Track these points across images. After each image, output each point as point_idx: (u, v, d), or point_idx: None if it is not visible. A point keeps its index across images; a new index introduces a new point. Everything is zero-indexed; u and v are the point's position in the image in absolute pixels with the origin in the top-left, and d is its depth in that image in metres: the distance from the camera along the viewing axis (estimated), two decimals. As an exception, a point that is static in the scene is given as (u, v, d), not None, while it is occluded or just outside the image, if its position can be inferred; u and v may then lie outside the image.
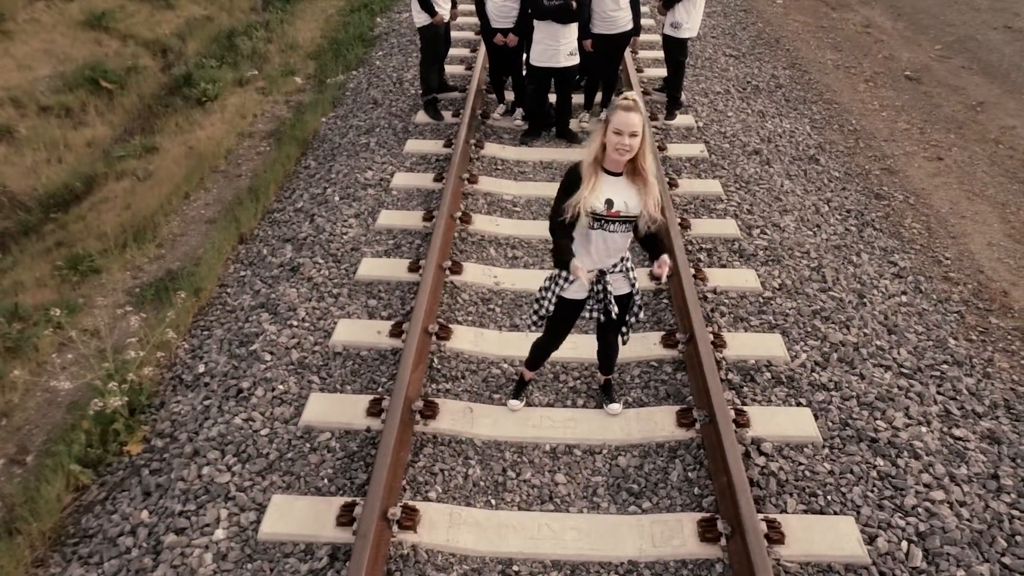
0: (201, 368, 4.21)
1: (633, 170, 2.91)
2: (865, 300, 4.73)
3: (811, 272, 4.82)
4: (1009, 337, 4.77)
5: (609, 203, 2.93)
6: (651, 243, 3.12)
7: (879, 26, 10.70)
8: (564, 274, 3.18)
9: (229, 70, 8.57)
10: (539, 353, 3.61)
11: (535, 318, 3.33)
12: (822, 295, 4.60)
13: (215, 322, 4.67)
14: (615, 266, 3.18)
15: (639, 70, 7.53)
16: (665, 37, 6.36)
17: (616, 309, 3.21)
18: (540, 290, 3.31)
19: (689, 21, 6.16)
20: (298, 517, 3.15)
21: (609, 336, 3.50)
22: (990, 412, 4.05)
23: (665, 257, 3.02)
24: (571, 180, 2.96)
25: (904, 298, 4.90)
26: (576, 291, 3.22)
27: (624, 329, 3.38)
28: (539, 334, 3.54)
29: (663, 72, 7.04)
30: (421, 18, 6.24)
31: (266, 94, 8.14)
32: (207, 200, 6.32)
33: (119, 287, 5.28)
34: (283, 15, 10.29)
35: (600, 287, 3.17)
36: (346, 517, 3.13)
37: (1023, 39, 9.99)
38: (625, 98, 2.79)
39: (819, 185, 6.09)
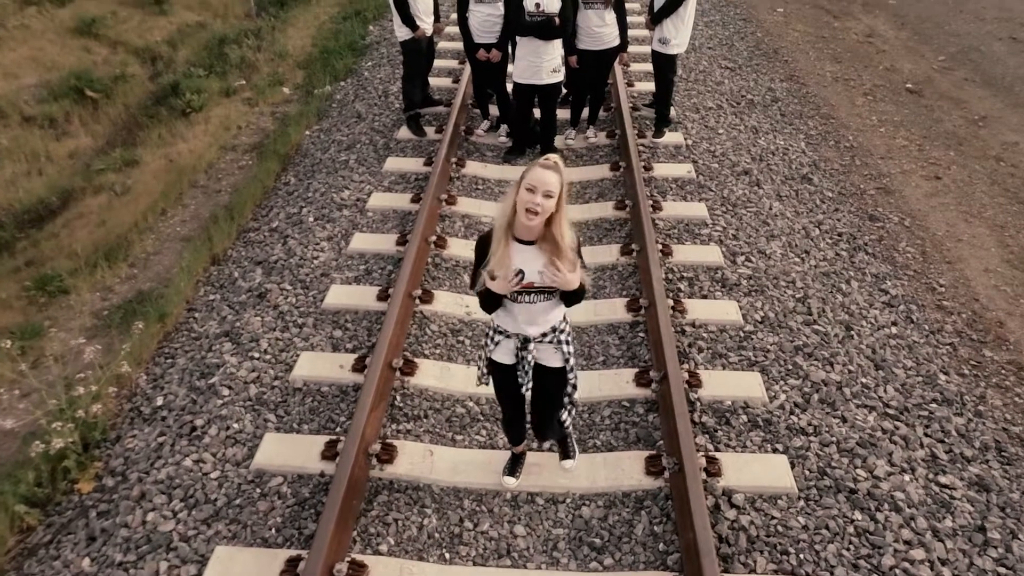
0: (160, 400, 4.06)
1: (546, 237, 2.56)
2: (852, 333, 4.53)
3: (796, 303, 4.63)
4: (1003, 371, 4.57)
5: (519, 275, 2.58)
6: (567, 298, 2.77)
7: (882, 35, 10.46)
8: (491, 333, 2.90)
9: (216, 80, 8.43)
10: (506, 428, 3.34)
11: (480, 374, 3.06)
12: (806, 329, 4.41)
13: (180, 349, 4.52)
14: (544, 335, 2.84)
15: (630, 84, 7.33)
16: (654, 53, 6.16)
17: (530, 384, 2.90)
18: (483, 349, 3.02)
19: (678, 37, 5.96)
20: (240, 572, 2.98)
21: (548, 426, 3.15)
22: (980, 456, 3.85)
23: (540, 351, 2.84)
24: (481, 248, 2.65)
25: (894, 329, 4.69)
26: (503, 354, 2.90)
27: (563, 415, 3.03)
28: None
29: (653, 86, 6.85)
30: (403, 32, 6.07)
31: (252, 105, 7.99)
32: (184, 217, 6.17)
33: (87, 309, 5.14)
34: (276, 22, 10.14)
35: (525, 354, 2.84)
36: (290, 573, 2.96)
37: (1029, 50, 9.74)
38: (547, 158, 2.49)
39: (811, 207, 5.88)
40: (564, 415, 3.03)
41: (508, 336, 2.86)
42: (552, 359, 2.91)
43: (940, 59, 9.68)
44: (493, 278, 2.57)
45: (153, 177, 6.63)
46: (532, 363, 2.86)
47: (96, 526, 3.37)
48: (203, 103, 7.80)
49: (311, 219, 5.38)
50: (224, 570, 3.00)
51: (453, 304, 4.49)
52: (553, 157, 2.49)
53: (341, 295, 4.51)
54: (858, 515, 3.30)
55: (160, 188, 6.43)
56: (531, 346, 2.83)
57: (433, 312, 4.42)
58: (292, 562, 2.99)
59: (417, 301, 4.42)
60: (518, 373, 2.90)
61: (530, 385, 2.90)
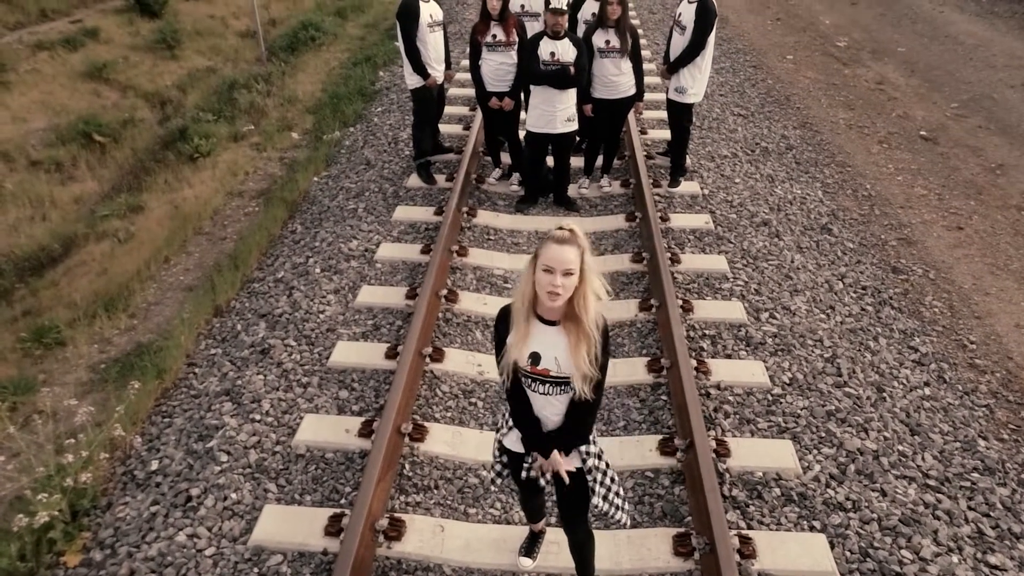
0: (155, 464, 3.83)
1: (570, 315, 2.30)
2: (884, 395, 4.29)
3: (824, 363, 4.40)
4: (1045, 437, 4.31)
5: (535, 358, 2.36)
6: (573, 416, 2.47)
7: (892, 83, 10.40)
8: (506, 415, 2.65)
9: (225, 124, 8.36)
10: (524, 506, 3.12)
11: (494, 468, 2.81)
12: (837, 391, 4.17)
13: (178, 408, 4.30)
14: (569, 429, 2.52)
15: (643, 132, 7.22)
16: (669, 102, 6.05)
17: (546, 480, 2.59)
18: (495, 452, 2.80)
19: (695, 86, 5.86)
20: (234, 666, 2.72)
21: (575, 525, 2.80)
22: (1027, 532, 3.58)
23: (559, 459, 2.51)
24: (501, 324, 2.42)
25: (927, 390, 4.46)
26: (514, 442, 2.62)
27: (606, 509, 2.66)
28: None
29: (668, 134, 6.74)
30: (413, 80, 5.99)
31: (260, 150, 7.91)
32: (187, 265, 6.01)
33: (83, 362, 4.94)
34: (286, 67, 10.14)
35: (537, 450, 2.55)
36: (288, 668, 2.70)
37: (1042, 98, 9.65)
38: (560, 227, 2.24)
39: (832, 259, 5.69)
40: (611, 510, 2.67)
41: (518, 425, 2.57)
42: (568, 460, 2.56)
43: (953, 106, 9.59)
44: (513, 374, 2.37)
45: (157, 224, 6.49)
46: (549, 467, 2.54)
47: (81, 606, 3.11)
48: (211, 148, 7.72)
49: (317, 270, 5.20)
50: (216, 664, 2.74)
51: (464, 363, 4.28)
52: (568, 225, 2.25)
53: (348, 352, 4.30)
54: (907, 604, 3.03)
55: (164, 235, 6.29)
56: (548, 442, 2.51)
57: (444, 371, 4.20)
58: (291, 656, 2.73)
59: (427, 359, 4.21)
60: (531, 468, 2.61)
61: (548, 478, 2.59)
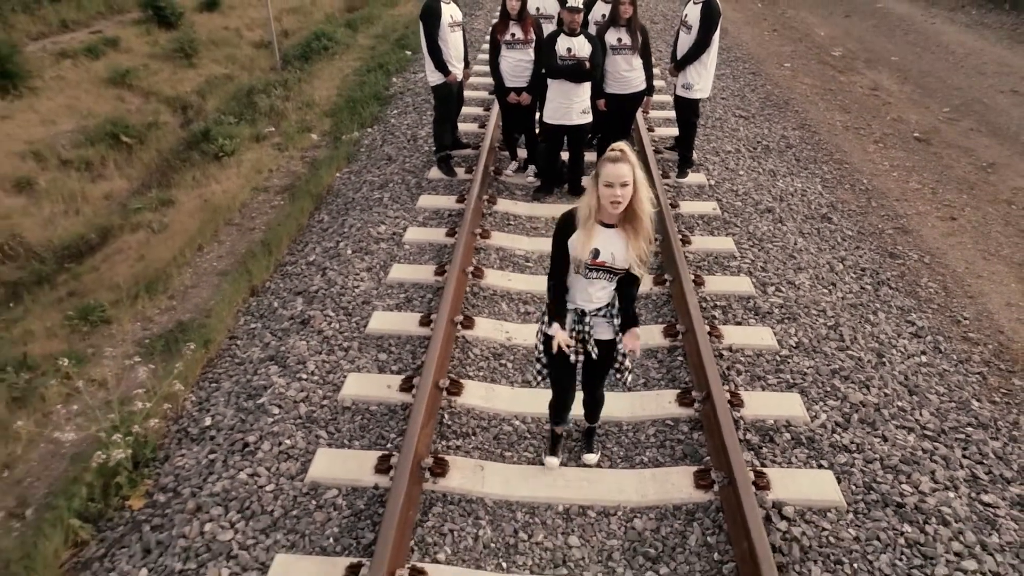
0: (208, 421, 4.15)
1: (627, 218, 2.87)
2: (884, 360, 4.64)
3: (828, 331, 4.76)
4: (1034, 399, 4.65)
5: (595, 252, 2.94)
6: (623, 299, 3.15)
7: (886, 89, 10.86)
8: (544, 320, 3.27)
9: (247, 126, 8.75)
10: (554, 409, 3.58)
11: (537, 368, 3.39)
12: (840, 354, 4.53)
13: (223, 374, 4.63)
14: (599, 310, 3.17)
15: (650, 129, 7.62)
16: (677, 98, 6.46)
17: (596, 351, 3.21)
18: (537, 337, 3.39)
19: (701, 82, 6.27)
20: (302, 585, 3.03)
21: (594, 387, 3.50)
22: (1019, 477, 3.91)
23: (635, 330, 3.13)
24: (562, 225, 3.01)
25: (924, 358, 4.81)
26: (558, 332, 3.16)
27: (618, 375, 3.35)
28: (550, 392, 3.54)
29: (674, 131, 7.13)
30: (435, 77, 6.38)
31: (282, 150, 8.28)
32: (220, 253, 6.35)
33: (128, 338, 5.26)
34: (301, 74, 10.56)
35: (580, 327, 3.17)
36: (352, 579, 3.01)
37: (1029, 102, 10.10)
38: (612, 149, 2.77)
39: (832, 244, 6.07)
40: (622, 375, 3.34)
41: (567, 313, 3.16)
42: (605, 332, 3.22)
43: (945, 110, 10.04)
44: (561, 271, 3.07)
45: (188, 216, 6.84)
46: (590, 333, 3.17)
47: (151, 539, 3.42)
48: (235, 148, 8.09)
49: (349, 251, 5.56)
50: (285, 577, 3.05)
51: (493, 330, 4.62)
52: (619, 146, 2.79)
53: (384, 321, 4.64)
54: (907, 528, 3.36)
55: (196, 226, 6.63)
56: (587, 319, 3.14)
57: (475, 337, 4.55)
58: (353, 569, 3.05)
59: (459, 326, 4.55)
60: (575, 347, 3.20)
61: (581, 358, 3.21)
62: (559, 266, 3.07)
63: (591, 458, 3.68)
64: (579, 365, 3.27)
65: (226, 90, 10.28)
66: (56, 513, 3.66)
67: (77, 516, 3.66)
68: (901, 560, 3.21)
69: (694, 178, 6.62)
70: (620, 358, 3.30)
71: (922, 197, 7.40)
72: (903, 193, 7.44)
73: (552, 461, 3.65)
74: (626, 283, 3.10)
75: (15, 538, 3.75)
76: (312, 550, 3.22)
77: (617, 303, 3.18)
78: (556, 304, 3.15)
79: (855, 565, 3.16)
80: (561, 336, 3.08)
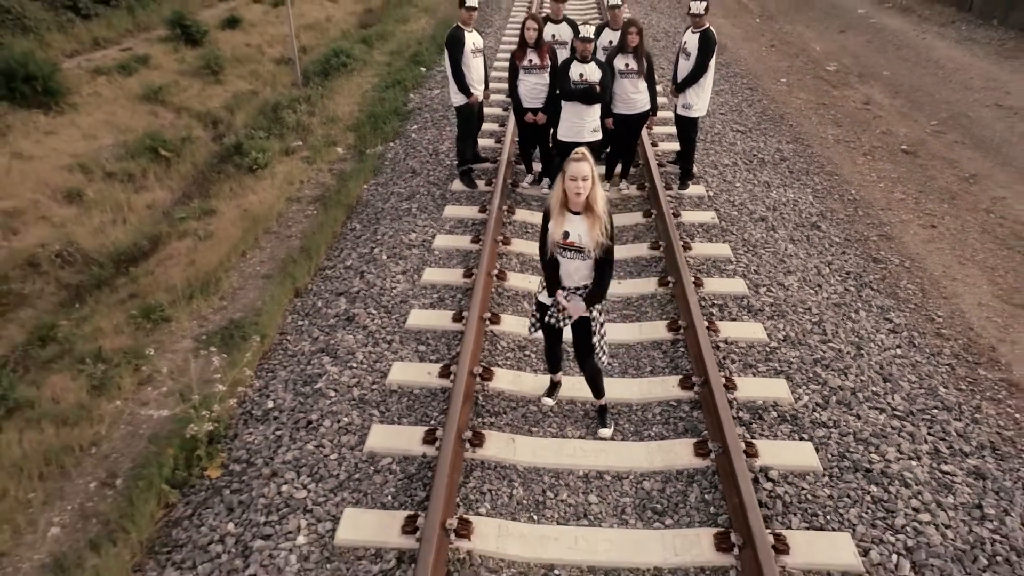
0: (270, 404, 4.83)
1: (588, 207, 3.73)
2: (862, 352, 5.32)
3: (812, 326, 5.44)
4: (996, 387, 5.31)
5: (565, 234, 3.81)
6: (596, 276, 3.93)
7: (878, 103, 11.53)
8: (541, 283, 4.19)
9: (276, 141, 9.45)
10: (547, 358, 4.60)
11: (532, 322, 4.34)
12: (822, 346, 5.21)
13: (278, 365, 5.30)
14: (576, 290, 3.99)
15: (654, 144, 8.32)
16: (678, 116, 7.16)
17: (568, 322, 4.11)
18: (532, 305, 4.26)
19: (699, 103, 6.97)
20: (368, 527, 3.71)
21: (583, 361, 4.26)
22: (977, 452, 4.57)
23: (583, 304, 3.96)
24: (544, 219, 3.95)
25: (899, 351, 5.47)
26: (545, 297, 4.14)
27: (596, 350, 4.13)
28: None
29: (676, 146, 7.81)
30: (458, 98, 7.07)
31: (310, 163, 8.98)
32: (262, 258, 7.04)
33: (188, 334, 5.94)
34: (322, 90, 11.27)
35: (561, 304, 4.04)
36: (410, 527, 3.68)
37: (1013, 116, 10.75)
38: (576, 152, 3.68)
39: (820, 249, 6.75)
40: (599, 351, 4.16)
41: (553, 291, 4.06)
42: (580, 309, 4.04)
43: (932, 124, 10.71)
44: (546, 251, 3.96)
45: (230, 224, 7.53)
46: (566, 309, 4.03)
47: (233, 499, 4.10)
48: (267, 161, 8.79)
49: (384, 257, 6.25)
50: (354, 526, 3.72)
51: (517, 325, 5.30)
52: (580, 150, 3.68)
53: (421, 318, 5.33)
54: (874, 488, 4.02)
55: (238, 234, 7.31)
56: (566, 295, 4.00)
57: (502, 331, 5.24)
58: (411, 519, 3.71)
59: (487, 322, 5.23)
60: (555, 314, 4.11)
61: (563, 324, 4.12)
62: (544, 246, 3.94)
63: (605, 432, 4.37)
64: (560, 328, 4.15)
65: (252, 105, 10.99)
66: (148, 480, 4.33)
67: (166, 482, 4.33)
68: (867, 513, 3.87)
69: (694, 190, 7.32)
70: (597, 327, 4.07)
71: (905, 206, 8.08)
72: (888, 203, 8.11)
73: (547, 401, 4.64)
74: (600, 266, 3.89)
75: (110, 503, 4.42)
76: (374, 505, 3.89)
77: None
78: (550, 279, 4.03)
79: (828, 516, 3.82)
80: (560, 297, 4.00)
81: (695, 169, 7.70)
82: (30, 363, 5.81)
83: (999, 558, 3.79)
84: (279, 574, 3.56)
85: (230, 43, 13.29)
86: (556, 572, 3.59)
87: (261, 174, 8.67)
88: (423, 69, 12.06)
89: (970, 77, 12.45)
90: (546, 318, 4.15)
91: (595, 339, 4.09)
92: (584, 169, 3.65)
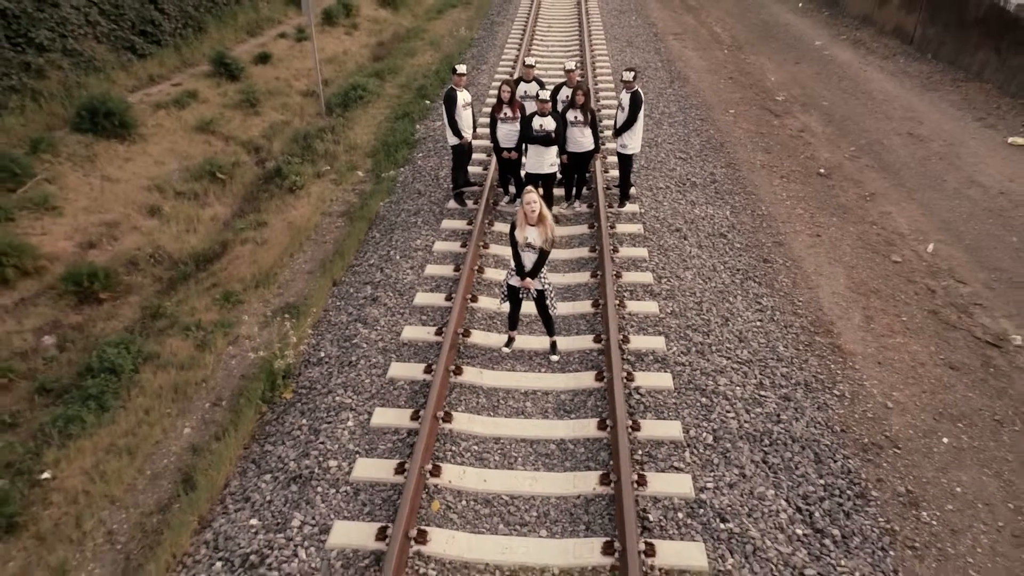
0: (322, 354, 7.56)
1: (540, 221, 6.48)
2: (728, 323, 8.00)
3: (694, 305, 8.13)
4: (824, 349, 7.97)
5: (526, 238, 6.56)
6: (538, 261, 6.71)
7: (812, 131, 14.18)
8: (510, 274, 6.85)
9: (309, 165, 12.23)
10: (510, 321, 7.26)
11: (501, 298, 7.03)
12: (697, 318, 7.91)
13: (324, 331, 8.04)
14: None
15: (605, 171, 11.05)
16: (618, 153, 9.89)
17: (534, 294, 6.90)
18: (501, 284, 7.03)
19: (632, 143, 9.70)
20: (390, 416, 6.43)
21: (542, 314, 7.10)
22: (791, 386, 7.23)
23: (529, 280, 6.72)
24: (512, 227, 6.74)
25: (758, 324, 8.15)
26: (515, 281, 6.81)
27: (550, 308, 6.98)
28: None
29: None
30: (452, 140, 9.84)
31: (337, 184, 11.76)
32: (305, 259, 9.79)
33: (257, 312, 8.68)
34: (343, 120, 14.06)
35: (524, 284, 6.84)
36: (415, 417, 6.39)
37: (918, 143, 13.39)
38: (528, 188, 6.61)
39: (721, 253, 9.44)
40: (552, 308, 6.99)
41: (515, 274, 6.73)
42: (536, 284, 6.82)
43: (851, 150, 13.35)
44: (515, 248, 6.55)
45: (279, 233, 10.29)
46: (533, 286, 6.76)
47: (304, 407, 6.83)
48: (303, 183, 11.56)
49: (397, 257, 9.01)
50: (382, 416, 6.44)
51: (491, 303, 8.05)
52: (530, 188, 6.53)
53: (424, 298, 8.08)
54: (703, 399, 6.70)
55: (286, 240, 10.07)
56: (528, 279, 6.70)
57: (479, 307, 7.99)
58: (415, 413, 6.42)
59: (469, 301, 7.95)
60: (520, 289, 6.77)
61: (529, 298, 6.80)
62: (514, 244, 6.63)
63: (555, 357, 7.22)
64: (523, 299, 6.91)
65: (286, 134, 13.79)
66: (248, 398, 7.05)
67: (260, 399, 7.05)
68: (694, 413, 6.56)
69: (630, 208, 10.04)
70: (550, 301, 6.86)
71: (801, 220, 10.75)
72: (788, 217, 10.79)
73: (505, 350, 7.43)
74: (540, 255, 6.63)
75: (221, 416, 7.14)
76: (394, 406, 6.61)
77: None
78: (518, 266, 6.69)
79: (669, 413, 6.51)
80: (526, 282, 6.72)
81: (634, 191, 10.42)
82: (149, 331, 8.56)
83: (779, 442, 6.46)
84: (338, 441, 6.27)
85: (263, 77, 16.11)
86: (502, 441, 6.29)
87: (299, 193, 11.45)
88: (428, 102, 14.85)
89: (893, 108, 15.08)
90: (520, 294, 6.94)
91: (548, 301, 6.92)
92: (533, 198, 6.46)
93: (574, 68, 9.96)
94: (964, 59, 16.25)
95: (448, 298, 8.06)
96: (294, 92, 15.86)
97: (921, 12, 17.88)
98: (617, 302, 7.87)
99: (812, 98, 15.87)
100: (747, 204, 10.95)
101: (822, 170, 12.45)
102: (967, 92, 15.38)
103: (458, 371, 6.99)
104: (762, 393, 7.03)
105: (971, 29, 15.97)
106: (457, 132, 9.73)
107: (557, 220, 9.94)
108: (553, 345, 7.31)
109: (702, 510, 5.65)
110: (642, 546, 5.18)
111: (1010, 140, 13.13)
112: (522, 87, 10.07)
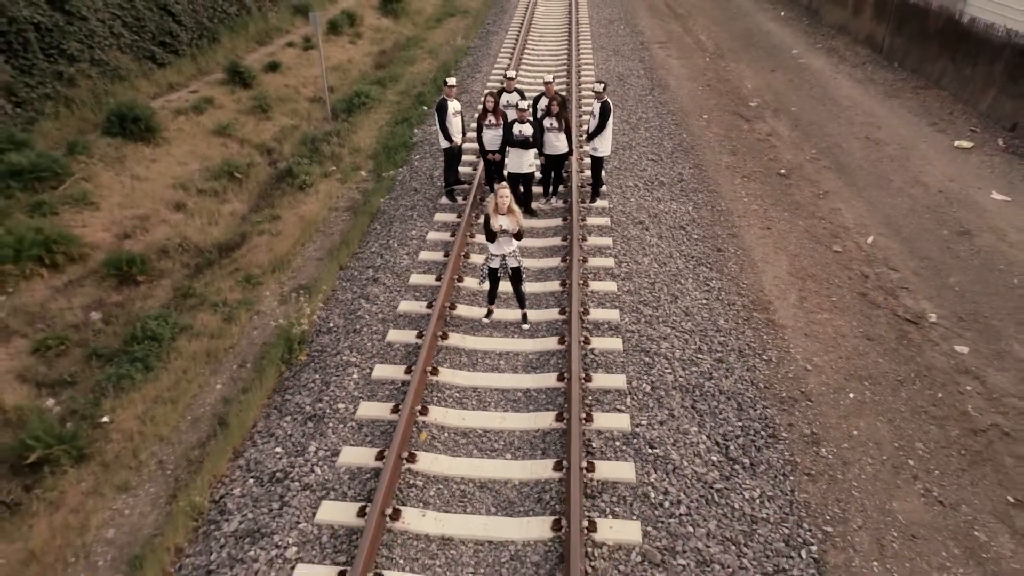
0: (332, 324, 9.15)
1: (509, 210, 8.06)
2: (676, 300, 9.57)
3: (649, 285, 9.70)
4: (759, 323, 9.53)
5: (500, 225, 8.11)
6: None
7: (779, 135, 15.72)
8: (488, 257, 8.49)
9: (316, 166, 13.84)
10: (489, 296, 8.88)
11: (481, 278, 8.56)
12: (649, 296, 9.47)
13: (333, 306, 9.64)
14: (511, 253, 8.33)
15: (581, 171, 12.64)
16: (590, 156, 11.47)
17: (511, 272, 8.41)
18: (481, 267, 8.49)
19: (603, 147, 11.29)
20: (388, 371, 8.00)
21: (516, 289, 8.66)
22: (726, 352, 8.79)
23: (508, 260, 8.30)
24: (486, 218, 8.20)
25: (704, 301, 9.71)
26: (493, 263, 8.36)
27: (522, 285, 8.54)
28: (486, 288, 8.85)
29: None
30: (444, 144, 11.45)
31: (343, 183, 13.36)
32: (315, 248, 11.39)
33: (274, 292, 10.28)
34: (348, 125, 15.67)
35: (502, 262, 8.39)
36: (408, 372, 7.96)
37: (874, 146, 14.92)
38: (500, 183, 8.20)
39: (679, 242, 11.00)
40: (523, 290, 8.49)
41: (494, 256, 8.40)
42: (512, 262, 8.46)
43: (813, 152, 14.89)
44: (491, 234, 8.11)
45: (292, 226, 11.89)
46: (507, 266, 8.34)
47: (317, 367, 8.41)
48: (312, 181, 13.17)
49: (395, 245, 10.60)
50: (382, 370, 8.01)
51: (472, 282, 9.62)
52: (502, 184, 8.18)
53: (417, 279, 9.69)
54: (646, 358, 8.27)
55: (298, 232, 11.67)
56: (505, 259, 8.30)
57: (464, 287, 9.59)
58: (408, 370, 7.99)
59: (456, 281, 9.53)
60: (498, 269, 8.36)
61: (506, 277, 8.32)
62: (488, 230, 8.18)
63: (526, 326, 8.77)
64: (500, 278, 8.43)
65: (295, 137, 15.41)
66: (270, 359, 8.64)
67: (280, 360, 8.64)
68: (637, 369, 8.12)
69: (600, 203, 11.63)
70: (522, 274, 8.49)
71: (756, 215, 12.30)
72: (744, 212, 12.34)
73: (485, 320, 8.97)
74: (516, 238, 8.21)
75: (247, 375, 8.72)
76: (392, 363, 8.19)
77: (516, 251, 8.39)
78: (490, 234, 8.27)
79: (617, 369, 8.08)
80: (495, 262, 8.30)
81: (605, 189, 12.00)
82: (182, 308, 10.15)
83: (708, 394, 8.02)
84: (345, 389, 7.85)
85: (272, 84, 17.74)
86: (479, 390, 7.87)
87: (308, 191, 13.05)
88: (425, 108, 16.46)
89: (856, 113, 16.62)
90: (498, 272, 8.56)
91: (522, 277, 8.54)
92: (506, 191, 8.11)
93: (551, 80, 11.56)
94: (926, 67, 17.79)
95: (438, 278, 9.64)
96: (302, 99, 17.48)
97: (890, 23, 19.43)
98: (581, 282, 9.44)
99: (783, 104, 17.40)
100: (708, 201, 12.50)
101: (783, 170, 13.99)
102: (925, 99, 16.92)
103: (445, 336, 8.57)
104: (699, 356, 8.58)
105: (932, 40, 17.51)
106: (448, 137, 11.32)
107: (535, 213, 11.56)
108: (524, 316, 8.89)
109: (635, 440, 7.21)
110: (585, 464, 6.74)
111: (956, 143, 14.68)
112: (504, 97, 11.66)
